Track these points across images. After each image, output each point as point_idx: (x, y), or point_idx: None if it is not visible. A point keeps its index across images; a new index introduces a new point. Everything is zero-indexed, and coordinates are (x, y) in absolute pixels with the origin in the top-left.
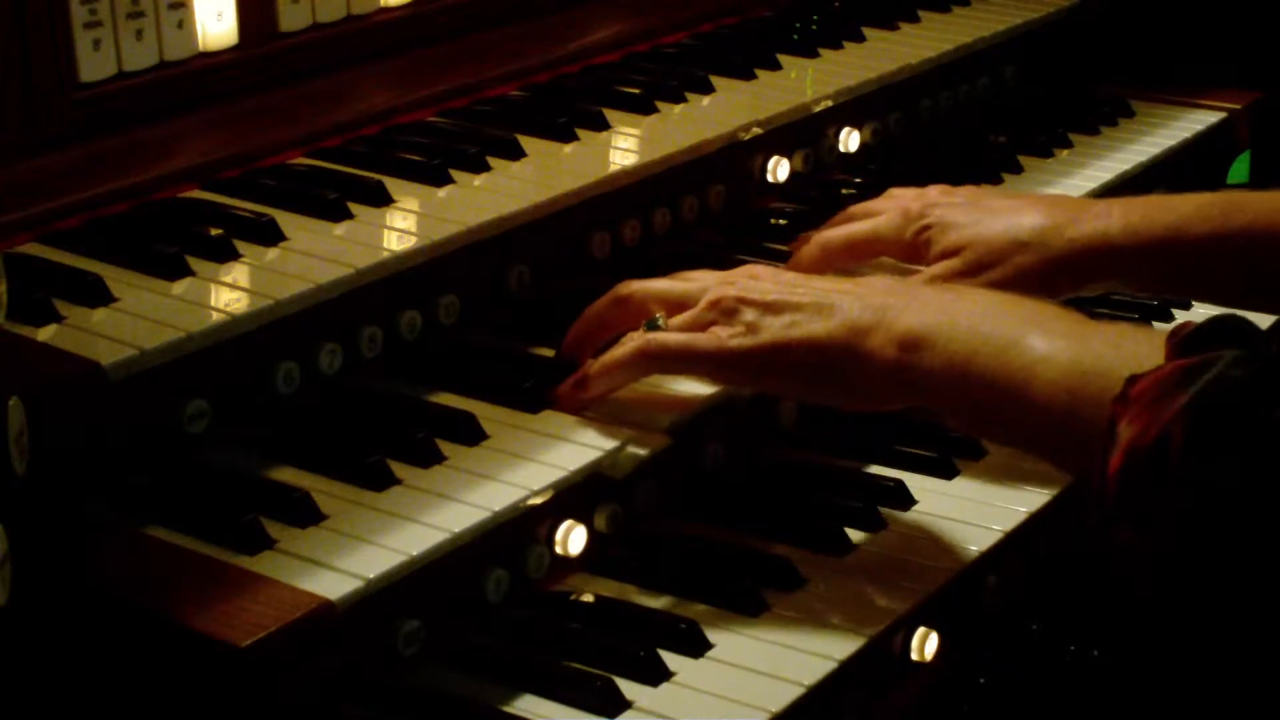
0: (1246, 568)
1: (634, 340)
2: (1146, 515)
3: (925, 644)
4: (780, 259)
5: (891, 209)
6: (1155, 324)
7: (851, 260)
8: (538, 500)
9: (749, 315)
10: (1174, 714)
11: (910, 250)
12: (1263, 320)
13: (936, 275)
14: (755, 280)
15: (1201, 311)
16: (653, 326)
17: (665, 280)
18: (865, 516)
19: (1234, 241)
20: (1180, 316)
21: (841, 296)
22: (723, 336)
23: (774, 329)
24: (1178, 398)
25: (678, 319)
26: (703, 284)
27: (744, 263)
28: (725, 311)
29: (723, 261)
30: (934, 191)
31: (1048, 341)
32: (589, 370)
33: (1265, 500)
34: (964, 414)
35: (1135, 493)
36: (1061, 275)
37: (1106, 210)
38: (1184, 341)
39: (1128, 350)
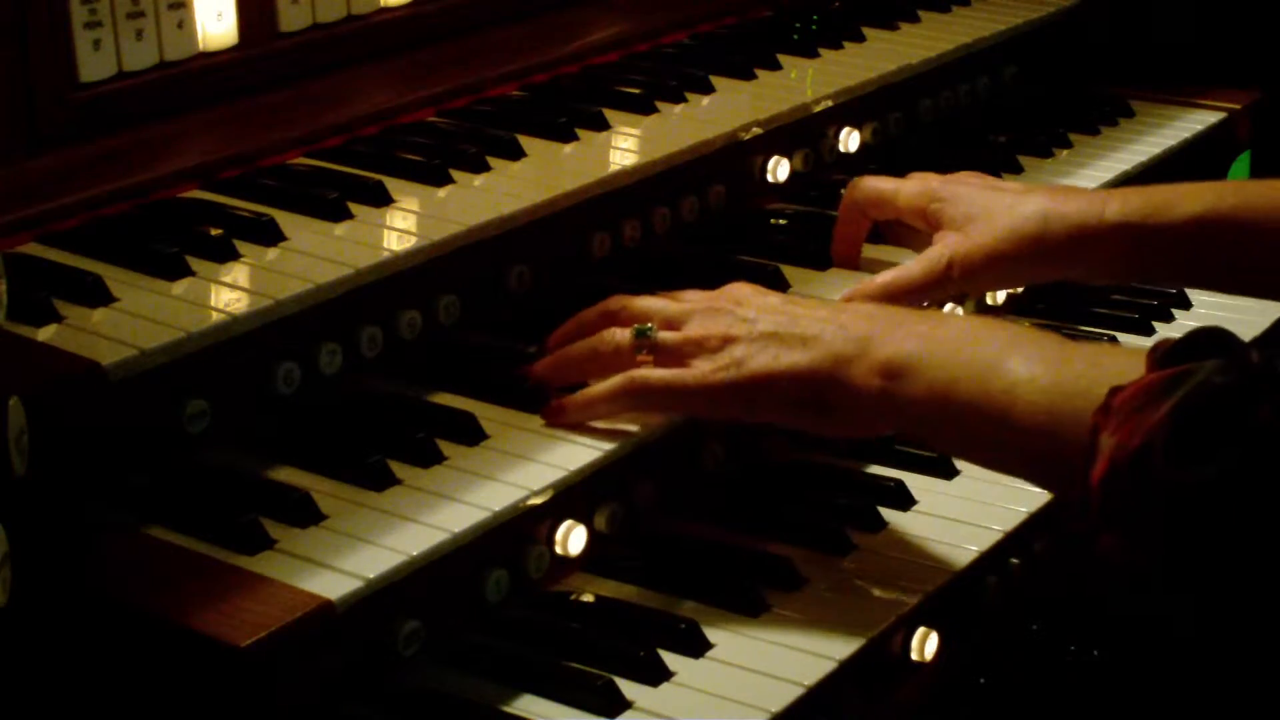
0: (1234, 570)
1: (617, 378)
2: (1131, 523)
3: (925, 644)
4: (781, 259)
5: (920, 178)
6: (1156, 324)
7: (871, 210)
8: (538, 500)
9: (734, 350)
10: (1174, 714)
11: (923, 221)
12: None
13: (934, 253)
14: (740, 307)
15: (1201, 312)
16: (642, 334)
17: (655, 300)
18: (865, 516)
19: (1221, 225)
20: (1179, 316)
21: (824, 325)
22: (706, 371)
23: (759, 362)
24: (1160, 406)
25: (665, 335)
26: (689, 308)
27: (745, 264)
28: (710, 348)
29: (723, 263)
30: (960, 174)
31: (1027, 364)
32: (570, 400)
33: (1251, 502)
34: (948, 439)
35: (1119, 501)
36: (1059, 253)
37: (1106, 196)
38: (1165, 355)
39: (1107, 367)
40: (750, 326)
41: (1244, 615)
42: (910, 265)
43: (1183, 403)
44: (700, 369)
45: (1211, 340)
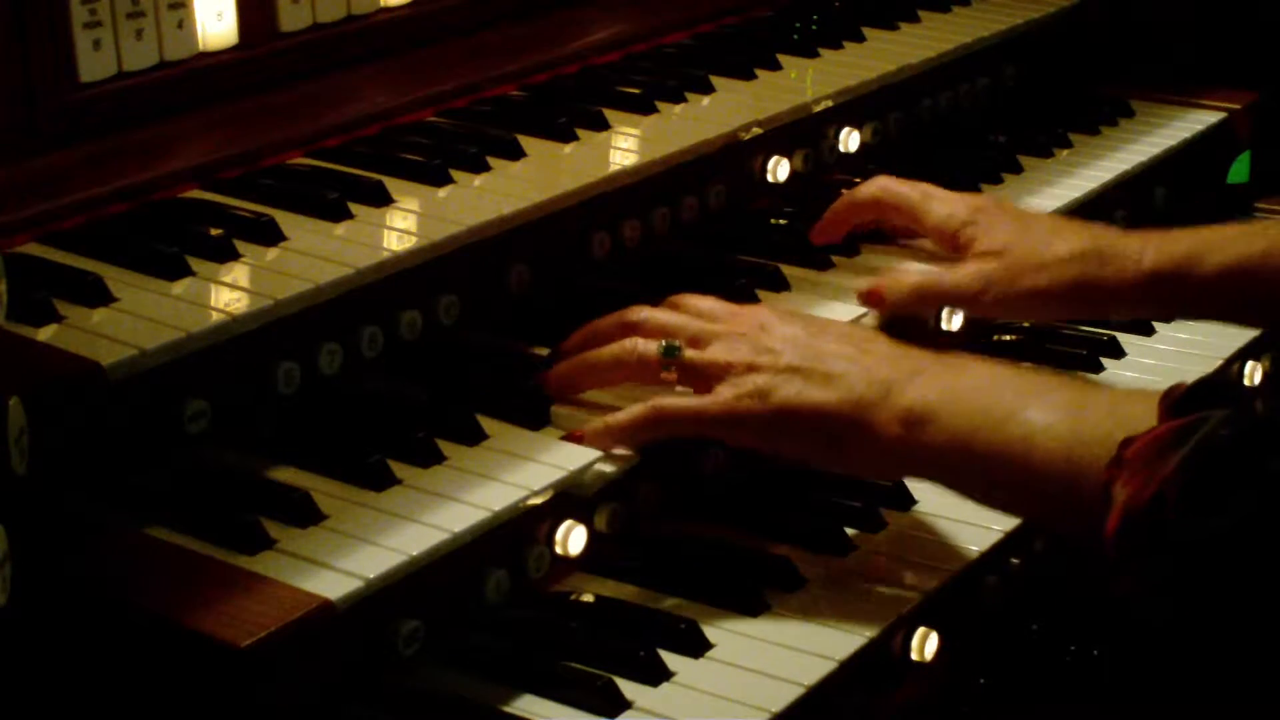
0: (1246, 621)
1: (639, 408)
2: (1145, 572)
3: (925, 644)
4: (781, 259)
5: (948, 199)
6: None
7: (893, 218)
8: (538, 500)
9: (758, 379)
10: (1173, 713)
11: (950, 243)
12: None
13: (972, 272)
14: (764, 335)
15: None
16: (670, 352)
17: (677, 315)
18: (865, 516)
19: (1251, 271)
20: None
21: (848, 366)
22: (729, 398)
23: (782, 394)
24: (1170, 459)
25: (691, 354)
26: (713, 328)
27: (745, 264)
28: (735, 374)
29: (723, 263)
30: (985, 199)
31: (1046, 412)
32: (589, 431)
33: (1261, 552)
34: (968, 485)
35: (1134, 552)
36: (1096, 296)
37: (1141, 242)
38: (1175, 404)
39: (1123, 415)
40: (775, 358)
41: (1258, 659)
42: (943, 274)
43: (1192, 455)
44: (724, 396)
45: (1220, 389)
